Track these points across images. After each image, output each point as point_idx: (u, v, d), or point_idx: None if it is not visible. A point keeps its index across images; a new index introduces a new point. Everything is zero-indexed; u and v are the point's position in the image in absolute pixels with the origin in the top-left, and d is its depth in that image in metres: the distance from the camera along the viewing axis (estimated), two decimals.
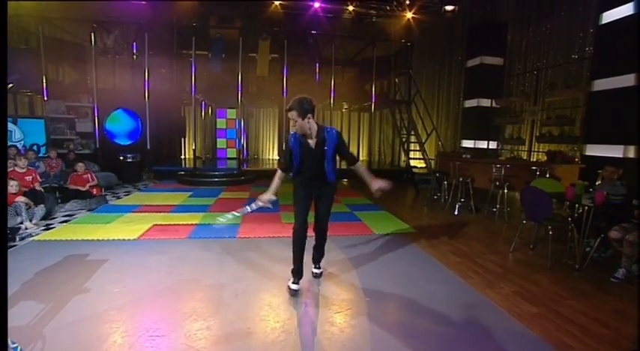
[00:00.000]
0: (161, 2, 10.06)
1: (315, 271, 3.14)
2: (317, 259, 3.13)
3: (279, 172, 2.79)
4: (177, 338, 2.16)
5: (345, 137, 3.34)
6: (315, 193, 2.82)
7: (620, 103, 5.54)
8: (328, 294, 2.83)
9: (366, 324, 2.40)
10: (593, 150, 6.05)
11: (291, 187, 2.84)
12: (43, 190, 5.17)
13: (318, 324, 2.38)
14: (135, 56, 9.67)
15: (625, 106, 5.45)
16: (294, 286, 2.79)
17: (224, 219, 2.79)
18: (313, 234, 2.97)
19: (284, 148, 2.80)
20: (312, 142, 2.67)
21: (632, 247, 3.11)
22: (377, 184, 2.77)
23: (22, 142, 7.69)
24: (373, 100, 10.23)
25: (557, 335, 2.30)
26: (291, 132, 2.70)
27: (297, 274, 2.83)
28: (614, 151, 5.61)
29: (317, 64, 10.42)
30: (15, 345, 1.65)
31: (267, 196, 2.70)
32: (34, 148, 7.71)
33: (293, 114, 2.57)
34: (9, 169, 4.98)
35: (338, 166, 2.85)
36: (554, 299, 2.83)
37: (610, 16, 5.79)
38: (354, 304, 2.67)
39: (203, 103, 12.05)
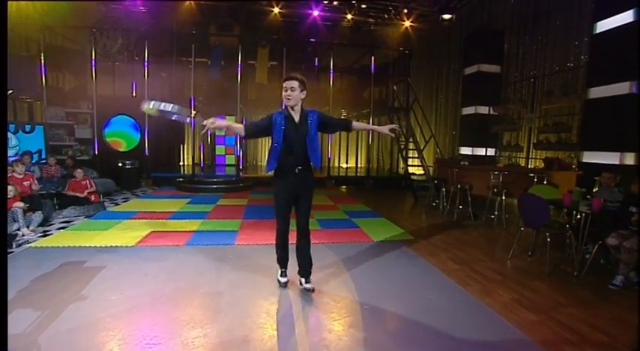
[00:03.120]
0: (161, 10, 10.17)
1: (308, 286, 2.92)
2: (307, 270, 2.93)
3: (240, 126, 2.73)
4: (175, 346, 2.14)
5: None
6: (297, 188, 2.73)
7: (616, 110, 5.60)
8: (326, 301, 2.81)
9: (364, 331, 2.38)
10: (590, 157, 6.08)
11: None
12: (37, 196, 5.13)
13: (316, 331, 2.37)
14: (135, 61, 9.73)
15: (621, 114, 5.50)
16: (283, 279, 2.95)
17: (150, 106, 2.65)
18: (294, 242, 2.92)
19: (262, 118, 2.76)
20: (296, 117, 2.71)
21: (629, 254, 3.12)
22: (386, 128, 2.89)
23: (17, 149, 7.68)
24: (372, 107, 10.29)
25: (556, 342, 2.30)
26: (286, 104, 2.70)
27: (284, 264, 2.98)
28: (611, 158, 5.64)
29: (316, 72, 10.50)
30: None
31: (219, 122, 2.53)
32: (28, 153, 7.70)
33: (294, 83, 2.63)
34: (8, 175, 4.97)
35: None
36: (553, 306, 2.82)
37: (604, 25, 5.87)
38: (352, 312, 2.66)
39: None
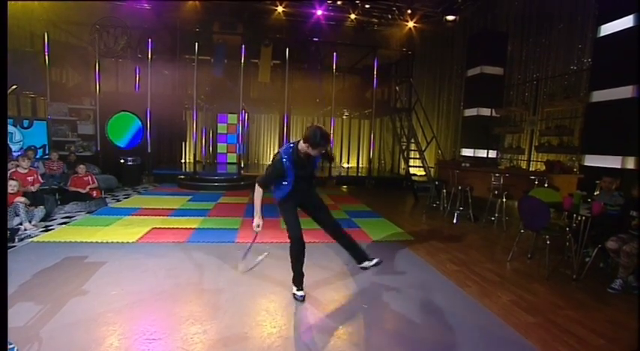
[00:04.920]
0: (165, 8, 10.19)
1: (374, 262, 3.04)
2: (361, 255, 3.06)
3: (260, 190, 2.70)
4: (174, 342, 2.16)
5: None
6: (304, 200, 2.87)
7: (619, 114, 5.59)
8: (325, 300, 2.83)
9: (363, 331, 2.40)
10: (592, 160, 6.08)
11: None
12: (40, 191, 5.16)
13: (315, 330, 2.39)
14: (138, 59, 9.76)
15: (623, 118, 5.50)
16: (300, 293, 2.80)
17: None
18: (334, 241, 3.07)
19: (271, 167, 2.69)
20: (305, 160, 2.67)
21: (629, 258, 3.12)
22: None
23: (21, 144, 7.72)
24: (374, 108, 10.30)
25: (554, 345, 2.30)
26: (287, 152, 2.63)
27: (300, 281, 2.83)
28: (613, 162, 5.64)
29: (318, 71, 10.50)
30: (12, 345, 1.66)
31: (259, 220, 2.69)
32: (32, 148, 7.74)
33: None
34: (11, 170, 5.01)
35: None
36: (552, 309, 2.83)
37: (608, 29, 5.87)
38: (351, 311, 2.67)
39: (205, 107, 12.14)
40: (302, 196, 2.82)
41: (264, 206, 2.73)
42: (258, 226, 2.68)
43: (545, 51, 8.28)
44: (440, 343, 2.29)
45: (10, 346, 1.65)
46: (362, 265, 3.08)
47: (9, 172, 5.00)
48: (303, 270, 2.84)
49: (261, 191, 2.71)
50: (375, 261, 3.05)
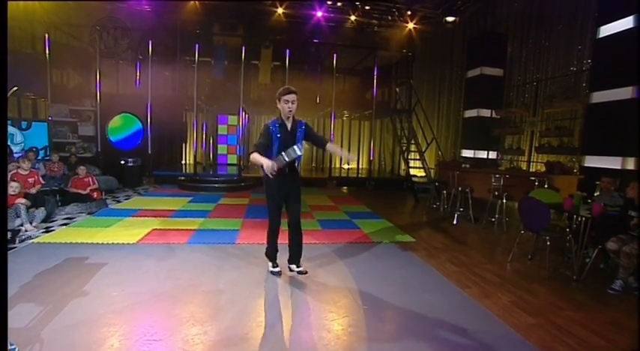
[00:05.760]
0: (165, 9, 10.22)
1: (299, 269, 3.27)
2: (297, 257, 3.28)
3: (254, 155, 2.86)
4: (175, 343, 2.16)
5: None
6: (287, 187, 3.06)
7: (618, 115, 5.60)
8: (325, 301, 2.83)
9: (363, 332, 2.40)
10: (592, 161, 6.08)
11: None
12: (40, 192, 5.17)
13: (315, 330, 2.39)
14: (138, 60, 9.78)
15: (623, 119, 5.50)
16: (277, 269, 3.24)
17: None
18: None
19: (261, 135, 3.03)
20: (289, 125, 3.03)
21: (628, 259, 3.12)
22: (345, 155, 3.32)
23: (23, 145, 7.73)
24: (374, 109, 10.31)
25: (554, 346, 2.31)
26: (273, 121, 3.04)
27: (274, 256, 3.26)
28: (613, 163, 5.64)
29: (318, 72, 10.52)
30: (13, 346, 1.67)
31: (269, 161, 2.75)
32: (33, 150, 7.75)
33: (295, 97, 2.96)
34: (12, 171, 5.02)
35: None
36: (552, 310, 2.83)
37: (607, 29, 5.88)
38: (351, 312, 2.68)
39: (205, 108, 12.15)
40: (287, 178, 2.99)
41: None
42: (272, 165, 2.71)
43: (545, 52, 8.29)
44: (440, 345, 2.29)
45: (11, 347, 1.66)
46: (291, 265, 3.31)
47: (10, 174, 5.01)
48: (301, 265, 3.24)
49: (257, 155, 2.84)
50: (302, 270, 3.28)
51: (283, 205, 3.15)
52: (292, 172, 3.08)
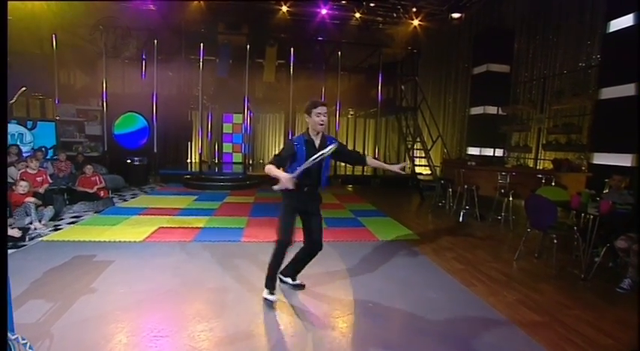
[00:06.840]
0: (170, 9, 10.25)
1: (298, 282, 3.00)
2: (296, 273, 2.97)
3: (270, 165, 2.53)
4: (181, 339, 2.18)
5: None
6: (305, 207, 2.73)
7: (628, 111, 5.50)
8: (330, 298, 2.84)
9: (368, 329, 2.40)
10: (601, 158, 5.99)
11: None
12: (48, 191, 5.23)
13: (320, 328, 2.40)
14: (144, 61, 9.85)
15: (633, 115, 5.40)
16: (272, 297, 2.68)
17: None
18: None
19: (283, 149, 2.69)
20: (317, 141, 2.67)
21: (638, 257, 3.08)
22: (397, 167, 2.83)
23: (32, 145, 7.84)
24: (379, 107, 10.26)
25: (560, 344, 2.29)
26: (299, 137, 2.67)
27: (274, 285, 2.74)
28: (623, 160, 5.55)
29: (323, 70, 10.50)
30: (25, 341, 1.70)
31: (285, 175, 2.43)
32: (42, 149, 7.85)
33: (326, 109, 2.65)
34: (21, 171, 5.10)
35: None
36: (559, 309, 2.81)
37: (617, 24, 5.77)
38: (357, 309, 2.68)
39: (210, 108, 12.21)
40: (306, 198, 2.70)
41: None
42: (289, 179, 2.38)
43: (553, 48, 8.17)
44: (445, 343, 2.28)
45: (23, 342, 1.69)
46: (287, 277, 2.99)
47: (19, 173, 5.09)
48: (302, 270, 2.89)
49: (272, 167, 2.52)
50: (298, 283, 2.99)
51: (298, 221, 2.75)
52: (313, 191, 2.74)
